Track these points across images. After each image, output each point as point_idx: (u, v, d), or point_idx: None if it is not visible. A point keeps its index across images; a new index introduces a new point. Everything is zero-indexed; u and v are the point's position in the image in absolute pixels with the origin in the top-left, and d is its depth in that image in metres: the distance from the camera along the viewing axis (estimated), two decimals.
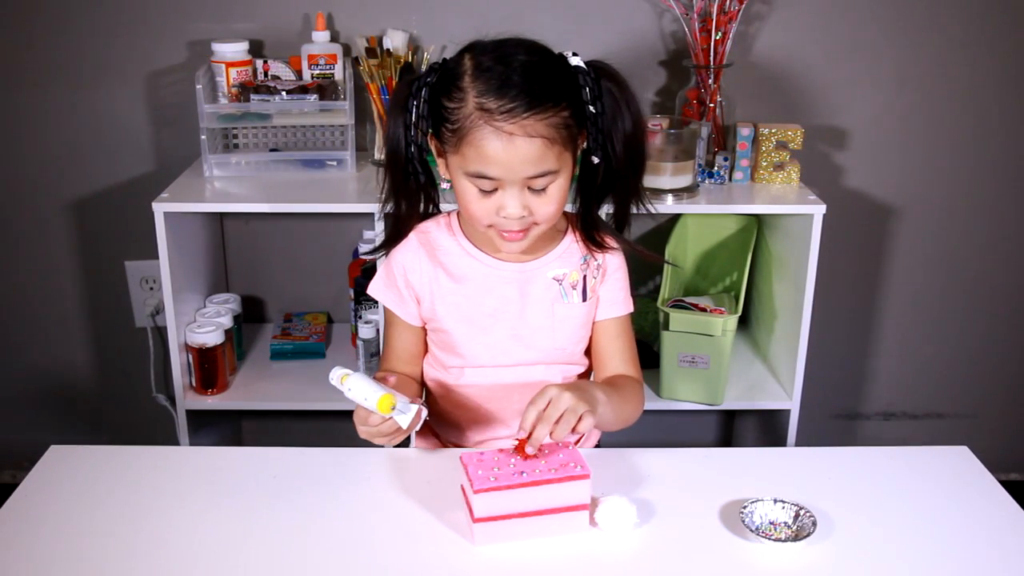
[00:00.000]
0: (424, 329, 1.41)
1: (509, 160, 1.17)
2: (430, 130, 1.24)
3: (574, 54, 1.23)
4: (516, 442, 1.15)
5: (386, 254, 1.39)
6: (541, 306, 1.35)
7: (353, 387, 1.16)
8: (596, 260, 1.37)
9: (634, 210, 1.33)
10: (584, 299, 1.37)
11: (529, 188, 1.21)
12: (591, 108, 1.21)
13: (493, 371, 1.38)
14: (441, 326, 1.37)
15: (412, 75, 1.27)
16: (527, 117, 1.16)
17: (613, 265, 1.38)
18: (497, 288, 1.34)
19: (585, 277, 1.36)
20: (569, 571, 1.09)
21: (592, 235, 1.35)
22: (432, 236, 1.36)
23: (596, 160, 1.25)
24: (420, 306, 1.37)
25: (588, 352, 1.43)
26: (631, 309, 1.42)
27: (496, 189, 1.21)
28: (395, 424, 1.18)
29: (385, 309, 1.43)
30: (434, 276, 1.35)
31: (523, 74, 1.18)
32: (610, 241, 1.37)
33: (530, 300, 1.35)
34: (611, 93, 1.22)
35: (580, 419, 1.14)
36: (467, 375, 1.39)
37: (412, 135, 1.24)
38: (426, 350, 1.44)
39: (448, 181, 1.28)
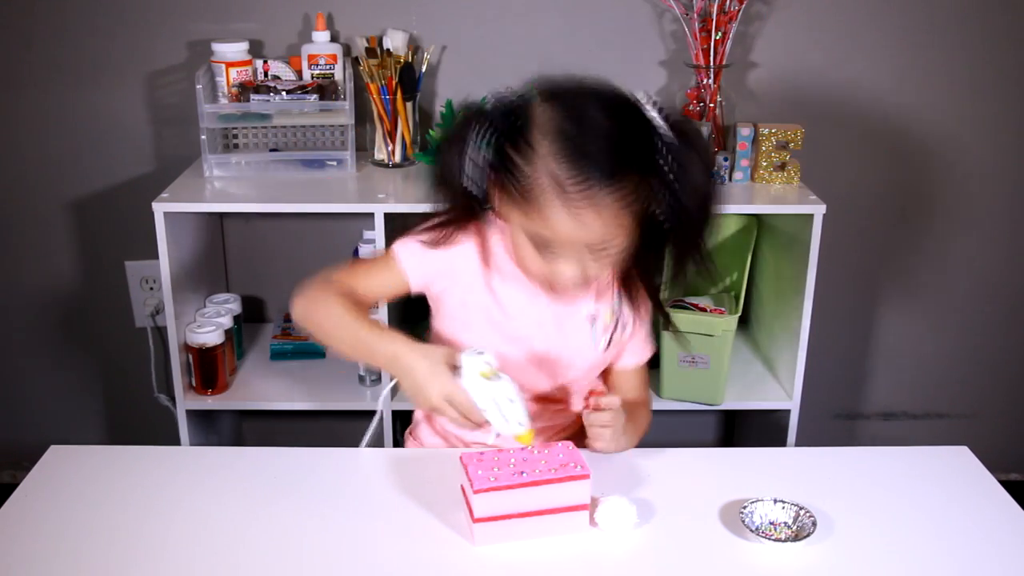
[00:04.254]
0: (405, 295, 1.34)
1: (575, 235, 1.12)
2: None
3: (649, 99, 1.14)
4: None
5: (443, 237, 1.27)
6: (571, 342, 1.31)
7: (503, 397, 1.12)
8: (628, 312, 1.33)
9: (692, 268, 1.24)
10: (607, 347, 1.33)
11: (590, 254, 1.16)
12: (667, 175, 1.12)
13: None
14: (472, 335, 1.29)
15: (476, 107, 1.16)
16: (601, 193, 1.09)
17: (639, 313, 1.36)
18: (533, 312, 1.28)
19: (617, 322, 1.32)
20: (569, 571, 1.09)
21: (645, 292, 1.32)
22: (490, 243, 1.28)
23: (666, 227, 1.16)
24: (437, 288, 1.31)
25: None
26: (651, 353, 1.42)
27: (554, 252, 1.16)
28: (477, 425, 1.16)
29: (390, 255, 1.31)
30: (473, 272, 1.28)
31: (603, 145, 1.09)
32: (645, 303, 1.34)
33: (562, 333, 1.30)
34: (686, 152, 1.12)
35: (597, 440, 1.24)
36: None
37: (469, 175, 1.15)
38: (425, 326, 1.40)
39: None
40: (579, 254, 1.16)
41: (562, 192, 1.09)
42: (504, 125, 1.12)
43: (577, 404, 1.39)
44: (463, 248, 1.27)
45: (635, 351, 1.39)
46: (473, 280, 1.28)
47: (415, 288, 1.31)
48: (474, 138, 1.13)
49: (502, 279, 1.28)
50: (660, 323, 1.79)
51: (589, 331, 1.31)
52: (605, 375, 1.43)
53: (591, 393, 1.27)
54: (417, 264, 1.29)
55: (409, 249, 1.29)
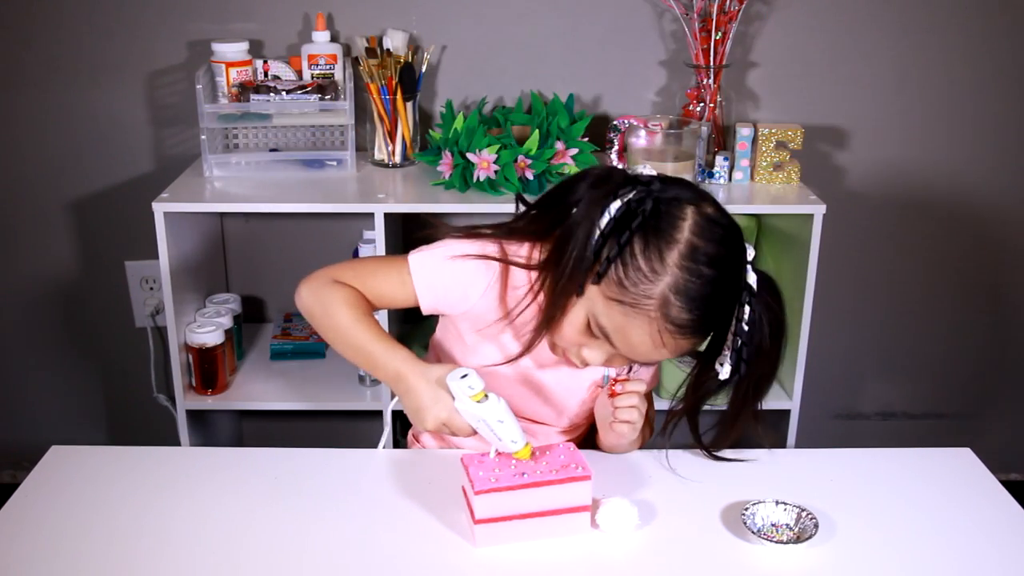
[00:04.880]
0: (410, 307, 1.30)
1: (639, 352, 1.12)
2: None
3: (750, 263, 1.14)
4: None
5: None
6: (576, 381, 1.30)
7: (494, 418, 1.11)
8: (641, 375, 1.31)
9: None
10: (609, 392, 1.28)
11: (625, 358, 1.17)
12: (745, 327, 1.12)
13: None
14: (479, 358, 1.26)
15: (631, 178, 1.12)
16: (687, 339, 1.10)
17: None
18: (539, 348, 1.22)
19: (630, 370, 1.29)
20: (570, 572, 1.09)
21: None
22: (511, 268, 1.22)
23: (724, 376, 1.16)
24: (449, 307, 1.26)
25: None
26: (655, 383, 1.42)
27: (600, 342, 1.15)
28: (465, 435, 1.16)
29: (404, 268, 1.24)
30: (490, 298, 1.23)
31: (717, 299, 1.09)
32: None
33: (570, 372, 1.27)
34: (770, 314, 1.13)
35: (625, 423, 1.22)
36: None
37: (593, 238, 1.09)
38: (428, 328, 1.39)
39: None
40: (618, 355, 1.16)
41: (661, 321, 1.08)
42: (652, 223, 1.08)
43: (576, 431, 1.39)
44: (481, 276, 1.22)
45: (642, 376, 1.31)
46: (485, 309, 1.23)
47: (426, 309, 1.25)
48: (617, 212, 1.09)
49: (510, 310, 1.22)
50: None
51: (600, 371, 1.27)
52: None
53: (614, 381, 1.23)
54: (429, 284, 1.23)
55: (425, 265, 1.23)
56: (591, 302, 1.12)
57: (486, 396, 1.11)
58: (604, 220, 1.09)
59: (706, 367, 1.19)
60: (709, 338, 1.15)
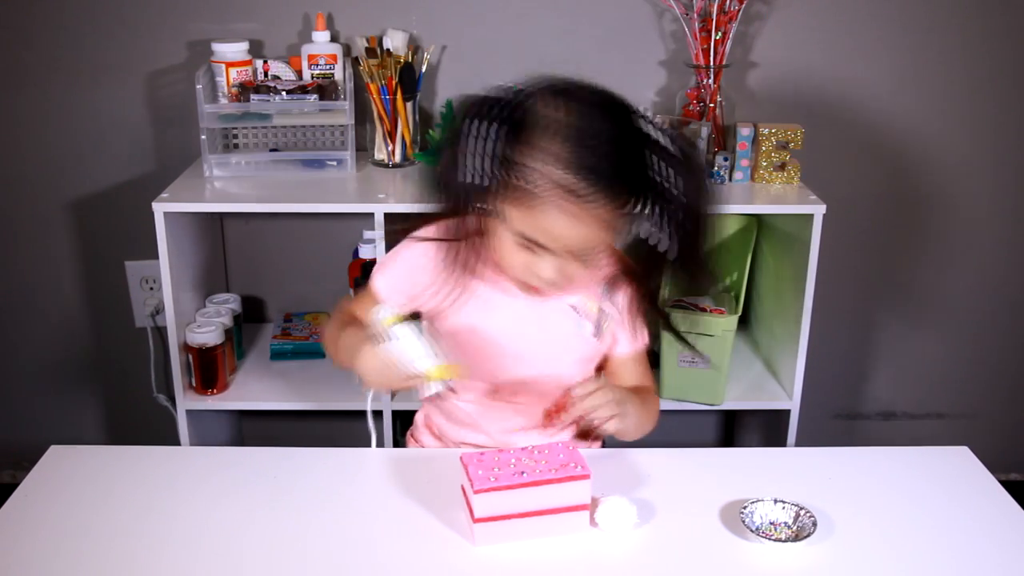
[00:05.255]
0: None
1: (564, 239, 1.13)
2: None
3: (645, 114, 1.14)
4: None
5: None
6: (553, 333, 1.31)
7: (402, 339, 1.13)
8: (617, 302, 1.32)
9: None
10: (596, 334, 1.32)
11: (572, 258, 1.17)
12: (661, 182, 1.12)
13: (487, 385, 1.34)
14: (445, 331, 1.31)
15: (478, 99, 1.14)
16: (598, 204, 1.10)
17: (629, 302, 1.34)
18: (509, 304, 1.29)
19: (601, 310, 1.32)
20: (569, 571, 1.09)
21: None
22: (448, 247, 1.28)
23: (652, 242, 1.16)
24: (418, 298, 1.31)
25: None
26: (646, 341, 1.37)
27: (536, 251, 1.16)
28: (412, 382, 1.16)
29: (372, 287, 1.35)
30: (444, 281, 1.28)
31: (608, 156, 1.10)
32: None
33: (542, 324, 1.30)
34: (682, 164, 1.13)
35: (609, 419, 1.22)
36: (463, 383, 1.31)
37: (471, 169, 1.13)
38: None
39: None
40: (563, 257, 1.16)
41: (563, 198, 1.09)
42: (508, 121, 1.11)
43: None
44: (418, 258, 1.29)
45: (628, 338, 1.36)
46: (443, 283, 1.28)
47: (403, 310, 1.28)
48: (476, 133, 1.11)
49: (472, 278, 1.28)
50: (660, 324, 1.79)
51: (574, 320, 1.31)
52: (605, 369, 1.40)
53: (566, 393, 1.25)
54: (394, 292, 1.32)
55: (383, 279, 1.33)
56: (504, 221, 1.16)
57: (404, 321, 1.14)
58: (469, 144, 1.11)
59: (647, 253, 1.19)
60: (632, 202, 1.13)
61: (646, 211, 1.15)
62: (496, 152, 1.11)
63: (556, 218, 1.11)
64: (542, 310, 1.30)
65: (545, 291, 1.24)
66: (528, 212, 1.12)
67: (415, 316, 1.19)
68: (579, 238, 1.13)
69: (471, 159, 1.12)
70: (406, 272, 1.31)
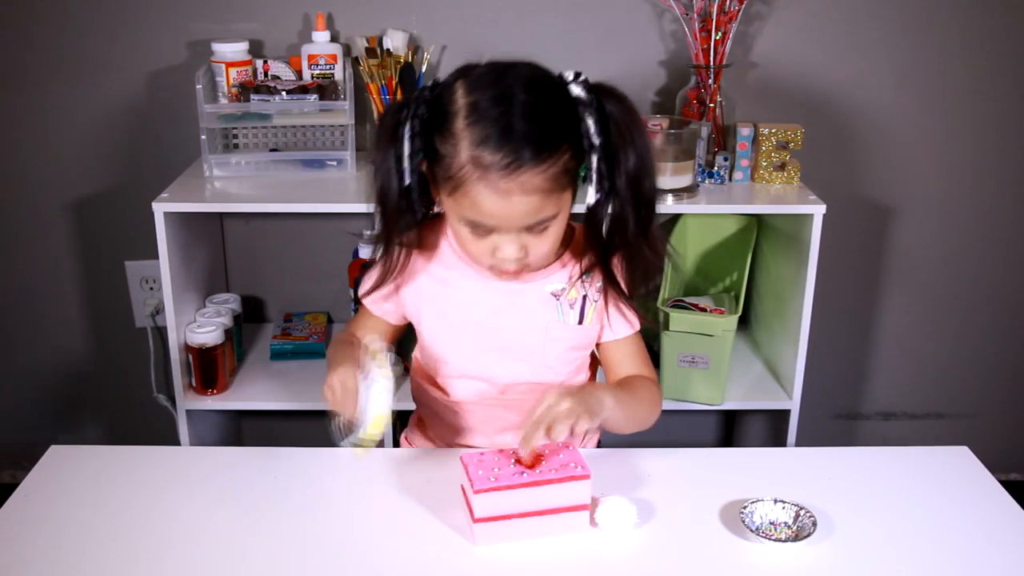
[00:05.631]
0: (396, 327, 1.39)
1: (505, 214, 1.13)
2: (423, 160, 1.17)
3: (576, 76, 1.15)
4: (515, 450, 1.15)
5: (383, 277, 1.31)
6: (534, 322, 1.30)
7: (374, 386, 1.14)
8: (597, 283, 1.30)
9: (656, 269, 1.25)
10: (580, 321, 1.31)
11: (527, 232, 1.16)
12: (592, 140, 1.13)
13: (476, 383, 1.34)
14: (427, 331, 1.33)
15: (399, 102, 1.17)
16: (525, 172, 1.09)
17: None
18: (487, 298, 1.28)
19: (585, 297, 1.30)
20: (569, 571, 1.09)
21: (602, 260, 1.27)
22: (427, 240, 1.31)
23: (595, 197, 1.16)
24: (404, 307, 1.34)
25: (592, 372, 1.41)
26: (638, 327, 1.35)
27: (490, 233, 1.16)
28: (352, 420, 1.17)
29: (364, 306, 1.39)
30: (424, 278, 1.31)
31: (522, 121, 1.10)
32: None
33: (522, 314, 1.29)
34: (615, 119, 1.14)
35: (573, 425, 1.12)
36: (453, 384, 1.35)
37: (404, 167, 1.16)
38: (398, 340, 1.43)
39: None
40: (515, 233, 1.16)
41: (485, 175, 1.10)
42: (427, 114, 1.14)
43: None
44: (393, 265, 1.29)
45: (616, 323, 1.33)
46: (421, 282, 1.31)
47: (389, 315, 1.37)
48: (403, 132, 1.14)
49: (446, 270, 1.29)
50: (660, 323, 1.80)
51: (555, 307, 1.30)
52: (597, 359, 1.40)
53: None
54: (378, 299, 1.34)
55: (372, 300, 1.35)
56: (450, 211, 1.18)
57: (385, 369, 1.15)
58: (404, 149, 1.14)
59: (594, 211, 1.19)
60: (556, 162, 1.12)
61: (581, 173, 1.17)
62: (420, 149, 1.14)
63: (488, 197, 1.11)
64: (522, 300, 1.29)
65: (517, 273, 1.23)
66: (464, 198, 1.13)
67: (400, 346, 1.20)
68: (519, 211, 1.12)
69: (404, 162, 1.15)
70: (383, 280, 1.31)
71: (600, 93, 1.14)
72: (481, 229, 1.16)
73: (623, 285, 1.29)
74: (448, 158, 1.12)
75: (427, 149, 1.15)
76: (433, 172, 1.16)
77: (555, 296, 1.29)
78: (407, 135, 1.14)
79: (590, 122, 1.13)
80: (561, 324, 1.30)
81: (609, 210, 1.18)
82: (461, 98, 1.12)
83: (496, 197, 1.11)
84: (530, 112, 1.11)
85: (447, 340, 1.32)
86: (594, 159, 1.14)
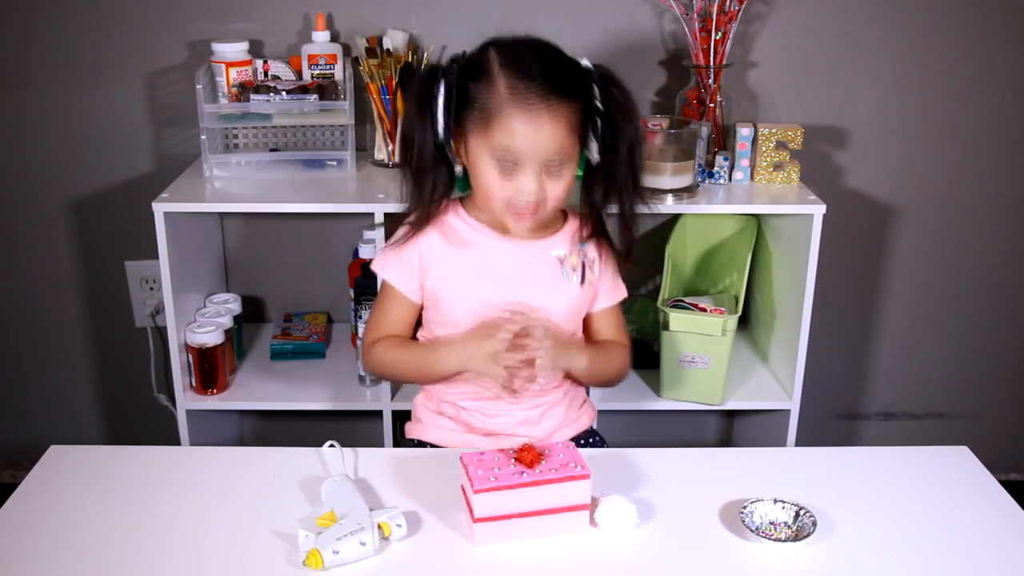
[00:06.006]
0: (419, 307, 1.47)
1: (535, 137, 1.27)
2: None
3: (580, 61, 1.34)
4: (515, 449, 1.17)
5: (412, 233, 1.43)
6: (543, 283, 1.42)
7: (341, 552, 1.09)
8: (592, 254, 1.46)
9: (640, 209, 1.43)
10: (582, 284, 1.44)
11: (545, 171, 1.31)
12: (599, 106, 1.30)
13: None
14: (442, 295, 1.42)
15: (432, 65, 1.36)
16: (555, 101, 1.27)
17: (603, 255, 1.48)
18: (500, 260, 1.41)
19: (584, 264, 1.45)
20: (569, 571, 1.09)
21: (598, 229, 1.44)
22: (441, 215, 1.43)
23: (598, 157, 1.34)
24: (424, 278, 1.42)
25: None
26: (624, 295, 1.52)
27: (515, 168, 1.30)
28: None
29: (383, 283, 1.47)
30: (440, 247, 1.42)
31: (547, 65, 1.31)
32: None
33: (532, 275, 1.41)
34: (616, 98, 1.32)
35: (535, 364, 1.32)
36: None
37: (444, 118, 1.31)
38: (418, 327, 1.50)
39: (463, 168, 1.38)
40: (537, 168, 1.30)
41: (523, 100, 1.27)
42: (463, 72, 1.31)
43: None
44: (425, 237, 1.42)
45: (607, 292, 1.49)
46: (442, 253, 1.42)
47: (415, 294, 1.45)
48: (438, 89, 1.30)
49: (460, 235, 1.42)
50: (660, 323, 1.80)
51: (559, 271, 1.43)
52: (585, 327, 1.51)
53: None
54: (399, 273, 1.44)
55: (387, 264, 1.45)
56: (479, 153, 1.32)
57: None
58: (439, 104, 1.31)
59: (590, 176, 1.39)
60: (575, 108, 1.31)
61: (585, 121, 1.33)
62: (456, 97, 1.30)
63: (522, 120, 1.27)
64: (531, 262, 1.42)
65: (532, 214, 1.34)
66: (499, 126, 1.28)
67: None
68: (545, 137, 1.28)
69: (439, 116, 1.31)
70: (406, 257, 1.43)
71: (601, 71, 1.33)
72: (508, 163, 1.30)
73: (617, 248, 1.46)
74: (483, 98, 1.29)
75: (459, 102, 1.31)
76: (463, 128, 1.32)
77: (559, 260, 1.43)
78: (442, 91, 1.30)
79: (597, 90, 1.31)
80: (568, 285, 1.43)
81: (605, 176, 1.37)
82: (495, 56, 1.32)
83: (529, 119, 1.27)
84: (557, 61, 1.33)
85: (463, 303, 1.41)
86: (599, 121, 1.31)
